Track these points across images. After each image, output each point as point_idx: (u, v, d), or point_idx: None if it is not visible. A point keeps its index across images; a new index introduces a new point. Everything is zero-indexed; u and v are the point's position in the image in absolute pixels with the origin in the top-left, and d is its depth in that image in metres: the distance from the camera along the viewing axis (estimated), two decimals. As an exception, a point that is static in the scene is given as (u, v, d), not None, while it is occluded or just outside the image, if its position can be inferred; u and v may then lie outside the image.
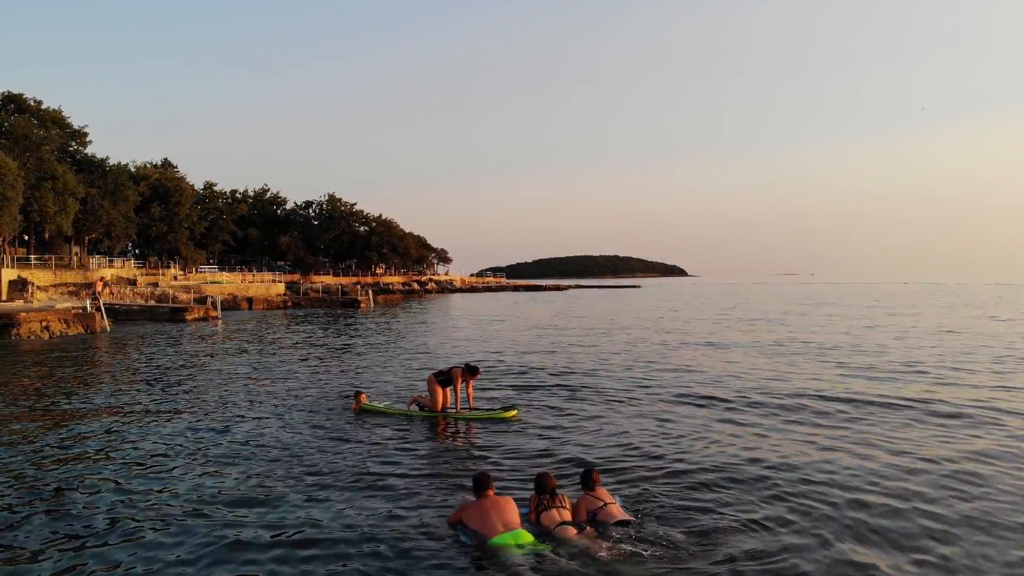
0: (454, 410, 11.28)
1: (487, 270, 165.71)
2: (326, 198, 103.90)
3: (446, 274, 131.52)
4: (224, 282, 62.32)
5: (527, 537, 5.88)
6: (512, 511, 6.13)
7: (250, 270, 75.43)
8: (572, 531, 5.97)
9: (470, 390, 11.52)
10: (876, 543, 6.07)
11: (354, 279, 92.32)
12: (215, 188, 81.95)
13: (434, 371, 11.97)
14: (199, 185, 78.13)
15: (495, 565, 5.56)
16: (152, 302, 44.13)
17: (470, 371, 11.36)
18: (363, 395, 12.26)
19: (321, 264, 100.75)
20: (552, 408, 12.20)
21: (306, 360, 20.24)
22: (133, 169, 63.49)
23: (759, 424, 10.79)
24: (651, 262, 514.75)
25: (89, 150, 54.88)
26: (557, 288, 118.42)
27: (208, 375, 17.02)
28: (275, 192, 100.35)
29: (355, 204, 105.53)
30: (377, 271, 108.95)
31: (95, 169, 53.83)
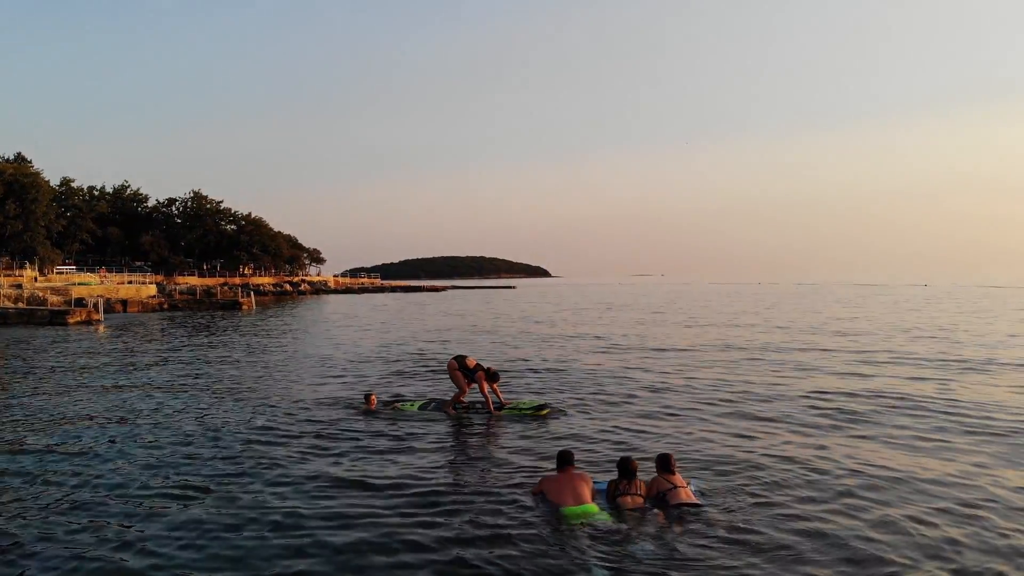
0: (485, 409, 11.83)
1: (357, 270, 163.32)
2: (191, 195, 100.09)
3: (319, 275, 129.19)
4: (92, 283, 59.19)
5: (594, 510, 6.44)
6: (585, 487, 6.66)
7: (109, 270, 71.30)
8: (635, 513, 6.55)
9: (496, 387, 12.05)
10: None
11: (221, 280, 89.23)
12: (73, 184, 76.87)
13: (454, 356, 12.37)
14: (55, 181, 73.09)
15: (562, 532, 6.15)
16: (21, 305, 41.88)
17: (492, 377, 11.92)
18: (373, 396, 12.30)
19: (185, 264, 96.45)
20: (577, 403, 12.71)
21: (241, 362, 20.45)
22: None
23: (843, 427, 10.56)
24: (515, 263, 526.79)
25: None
26: (434, 289, 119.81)
27: (157, 379, 17.23)
28: (136, 189, 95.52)
29: (222, 202, 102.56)
30: (246, 271, 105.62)
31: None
